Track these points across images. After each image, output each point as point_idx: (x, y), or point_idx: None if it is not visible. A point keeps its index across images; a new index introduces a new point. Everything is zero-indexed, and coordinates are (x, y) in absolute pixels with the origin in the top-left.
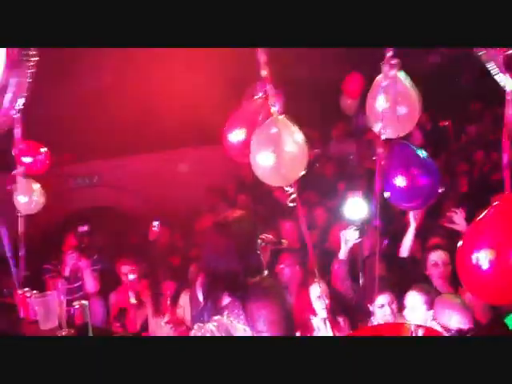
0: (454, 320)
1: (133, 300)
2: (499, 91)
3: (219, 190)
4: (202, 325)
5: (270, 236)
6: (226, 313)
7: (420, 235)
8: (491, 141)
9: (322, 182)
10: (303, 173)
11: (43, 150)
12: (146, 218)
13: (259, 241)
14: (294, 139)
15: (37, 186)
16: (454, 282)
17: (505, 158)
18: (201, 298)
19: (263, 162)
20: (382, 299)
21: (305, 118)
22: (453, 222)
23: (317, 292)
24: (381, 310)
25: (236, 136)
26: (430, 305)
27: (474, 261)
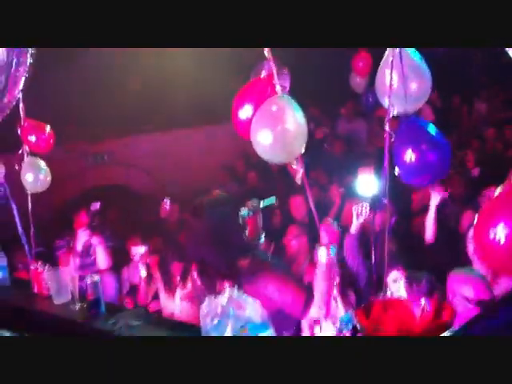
0: (469, 291)
1: (143, 273)
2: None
3: (229, 168)
4: (212, 298)
5: (255, 200)
6: (235, 287)
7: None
8: (502, 118)
9: (331, 161)
10: (303, 151)
11: (47, 128)
12: (157, 196)
13: (246, 211)
14: (295, 117)
15: (43, 165)
16: None
17: None
18: (199, 282)
19: (263, 139)
20: (395, 274)
21: (313, 97)
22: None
23: None
24: (394, 285)
25: (244, 112)
26: (409, 292)
27: (491, 236)
